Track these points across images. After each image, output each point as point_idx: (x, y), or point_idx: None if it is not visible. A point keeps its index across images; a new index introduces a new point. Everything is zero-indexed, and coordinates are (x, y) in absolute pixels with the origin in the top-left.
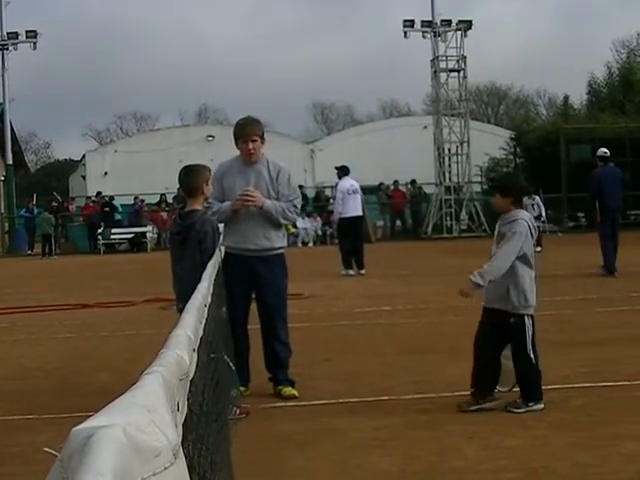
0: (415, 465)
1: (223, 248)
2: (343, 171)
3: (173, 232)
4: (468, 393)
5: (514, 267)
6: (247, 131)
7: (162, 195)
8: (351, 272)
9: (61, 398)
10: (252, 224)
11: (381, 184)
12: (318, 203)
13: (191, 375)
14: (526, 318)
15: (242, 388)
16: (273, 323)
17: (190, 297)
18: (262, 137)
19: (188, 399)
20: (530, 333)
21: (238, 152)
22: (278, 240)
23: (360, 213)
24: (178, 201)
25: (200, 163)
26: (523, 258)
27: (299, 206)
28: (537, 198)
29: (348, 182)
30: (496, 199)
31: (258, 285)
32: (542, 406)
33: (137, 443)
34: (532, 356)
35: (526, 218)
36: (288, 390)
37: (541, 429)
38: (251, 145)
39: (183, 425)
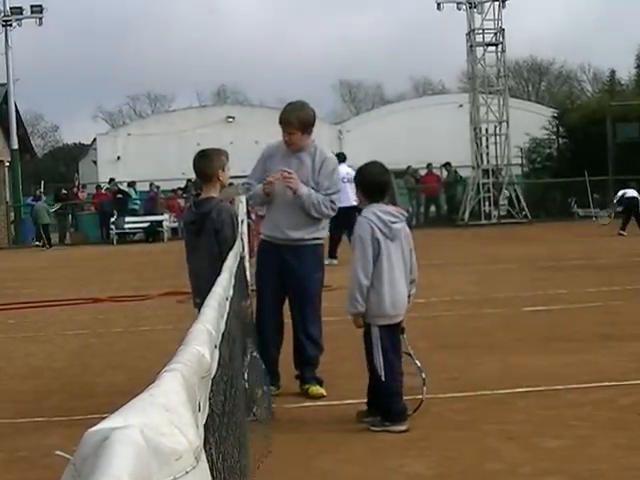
0: (450, 467)
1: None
2: (339, 158)
3: (187, 221)
4: (508, 391)
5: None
6: (284, 121)
7: (188, 180)
8: (335, 262)
9: (71, 399)
10: (286, 212)
11: (409, 167)
12: None
13: (213, 373)
14: (373, 328)
15: (271, 387)
16: (302, 318)
17: (208, 291)
18: (305, 129)
19: (210, 398)
20: (379, 346)
21: (258, 134)
22: (313, 231)
23: (352, 204)
24: (196, 187)
25: (217, 147)
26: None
27: (337, 203)
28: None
29: (344, 170)
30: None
31: (288, 277)
32: (404, 428)
33: (156, 445)
34: (381, 372)
35: (369, 215)
36: (315, 389)
37: (586, 429)
38: (287, 137)
39: (205, 426)
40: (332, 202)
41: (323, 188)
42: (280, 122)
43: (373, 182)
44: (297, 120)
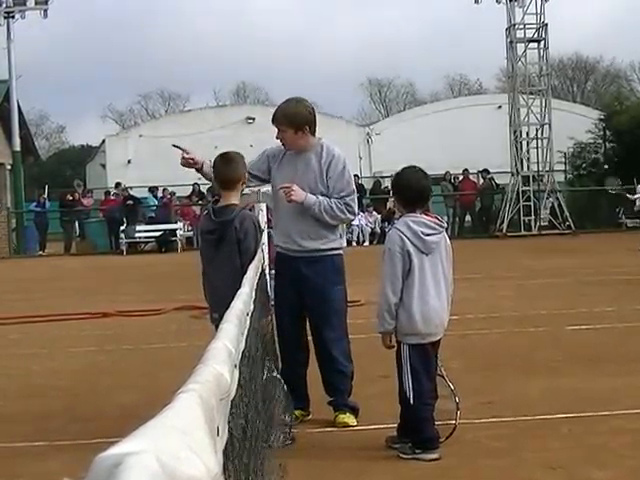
0: None
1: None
2: None
3: (205, 230)
4: (550, 416)
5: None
6: (274, 118)
7: (194, 185)
8: None
9: (76, 421)
10: (295, 219)
11: (447, 173)
12: (375, 195)
13: (232, 394)
14: (404, 347)
15: (297, 411)
16: (323, 336)
17: (227, 306)
18: (297, 127)
19: (229, 422)
20: (409, 367)
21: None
22: (330, 240)
23: None
24: (212, 193)
25: (235, 150)
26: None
27: (354, 205)
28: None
29: None
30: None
31: (305, 291)
32: (435, 456)
33: (172, 472)
34: (409, 395)
35: (400, 226)
36: (341, 417)
37: (636, 458)
38: (279, 135)
39: (223, 452)
40: (348, 205)
41: (335, 191)
42: (272, 121)
43: (413, 189)
44: (286, 117)
